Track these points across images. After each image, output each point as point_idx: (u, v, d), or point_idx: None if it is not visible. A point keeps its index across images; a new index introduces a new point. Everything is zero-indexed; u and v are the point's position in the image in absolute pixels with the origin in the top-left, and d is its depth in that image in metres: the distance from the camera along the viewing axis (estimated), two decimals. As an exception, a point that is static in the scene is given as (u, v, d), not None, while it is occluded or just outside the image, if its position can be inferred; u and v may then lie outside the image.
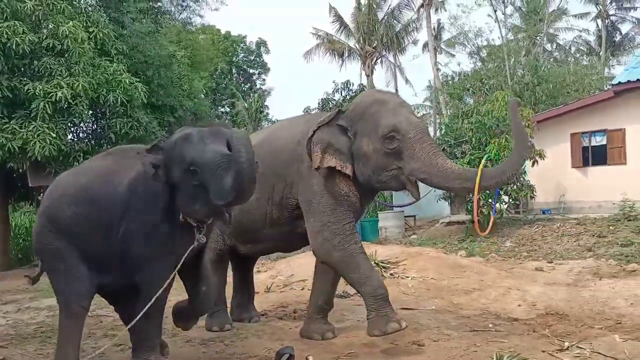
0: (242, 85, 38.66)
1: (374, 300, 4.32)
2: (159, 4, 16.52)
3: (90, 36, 11.44)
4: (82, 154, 11.25)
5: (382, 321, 4.29)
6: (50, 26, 10.47)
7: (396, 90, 25.75)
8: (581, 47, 30.30)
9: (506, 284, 6.68)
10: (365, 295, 4.37)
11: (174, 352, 4.44)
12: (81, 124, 12.29)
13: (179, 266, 3.80)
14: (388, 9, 23.76)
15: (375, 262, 7.43)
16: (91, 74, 10.97)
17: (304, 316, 5.56)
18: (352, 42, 24.11)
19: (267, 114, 35.40)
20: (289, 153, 4.63)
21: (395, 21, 23.97)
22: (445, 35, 29.07)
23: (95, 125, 12.87)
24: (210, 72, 34.95)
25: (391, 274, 7.24)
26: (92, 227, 3.75)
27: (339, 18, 23.76)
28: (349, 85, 15.50)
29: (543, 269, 7.77)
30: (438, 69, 24.11)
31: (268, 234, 4.87)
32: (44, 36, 10.46)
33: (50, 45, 10.48)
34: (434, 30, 26.75)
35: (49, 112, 10.24)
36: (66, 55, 10.65)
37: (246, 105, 28.39)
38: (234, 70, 38.73)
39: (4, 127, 10.04)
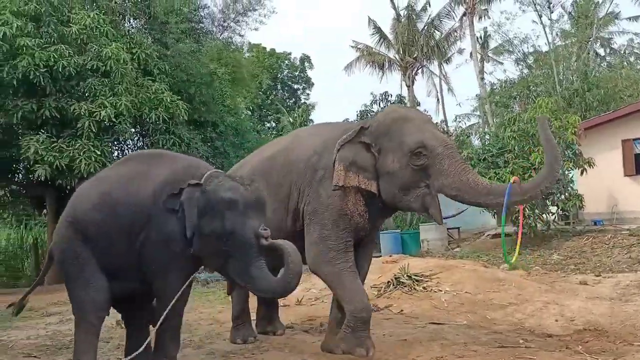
0: (287, 100, 39.18)
1: (354, 320, 4.33)
2: (200, 24, 16.96)
3: (134, 57, 11.87)
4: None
5: (353, 341, 4.31)
6: (94, 49, 10.87)
7: (438, 100, 25.47)
8: (636, 51, 29.02)
9: (545, 298, 6.39)
10: (348, 312, 4.36)
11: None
12: (125, 141, 12.69)
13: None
14: (428, 18, 23.55)
15: (407, 276, 7.31)
16: (134, 93, 11.34)
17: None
18: (392, 54, 24.01)
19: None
20: (304, 163, 4.61)
21: (436, 31, 23.72)
22: (492, 43, 28.59)
23: (140, 142, 13.28)
24: (257, 89, 35.79)
25: (423, 288, 7.06)
26: (113, 234, 3.82)
27: (378, 30, 23.72)
28: (387, 97, 15.35)
29: (588, 282, 7.40)
30: (482, 78, 23.62)
31: None
32: (89, 58, 10.88)
33: (95, 66, 10.90)
34: (481, 38, 26.33)
35: (94, 130, 10.63)
36: (110, 76, 11.05)
37: (291, 120, 28.72)
38: (279, 86, 39.35)
39: (52, 145, 10.47)
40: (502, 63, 27.88)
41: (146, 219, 3.75)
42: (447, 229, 15.84)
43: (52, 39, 10.67)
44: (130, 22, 13.86)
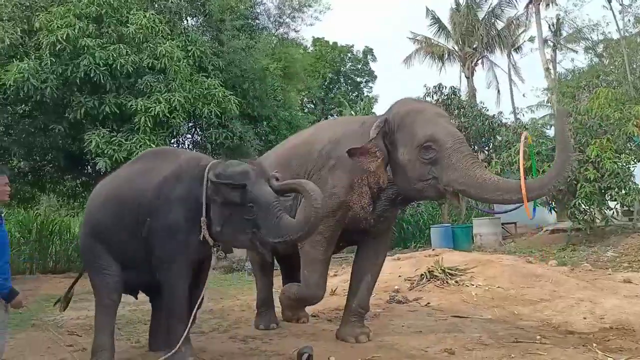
0: (350, 93, 39.21)
1: (301, 299, 4.85)
2: (256, 21, 17.36)
3: (188, 54, 12.38)
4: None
5: (289, 305, 5.08)
6: (149, 47, 11.42)
7: (498, 92, 24.68)
8: None
9: (580, 295, 6.20)
10: (300, 291, 4.74)
11: (213, 346, 4.74)
12: (180, 135, 13.22)
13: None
14: (489, 7, 22.84)
15: (440, 269, 7.28)
16: (187, 89, 11.83)
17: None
18: (450, 44, 23.49)
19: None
20: (318, 152, 4.73)
21: (497, 20, 22.98)
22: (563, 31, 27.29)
23: (194, 136, 13.83)
24: (319, 82, 36.10)
25: (456, 282, 7.02)
26: (122, 226, 4.13)
27: (436, 20, 23.29)
28: (440, 89, 15.09)
29: (632, 280, 7.07)
30: (547, 68, 22.68)
31: None
32: (145, 56, 11.44)
33: (150, 64, 11.45)
34: (553, 25, 25.26)
35: (150, 125, 11.18)
36: (165, 73, 11.59)
37: (353, 113, 28.73)
38: (341, 80, 39.42)
39: (112, 139, 11.11)
40: (575, 51, 26.68)
41: (150, 211, 4.01)
42: (503, 223, 15.45)
43: (112, 39, 11.31)
44: (186, 21, 14.38)
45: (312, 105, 36.20)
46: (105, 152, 10.93)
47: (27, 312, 7.12)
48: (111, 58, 10.95)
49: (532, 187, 4.02)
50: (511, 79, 25.42)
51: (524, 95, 23.54)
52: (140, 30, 11.37)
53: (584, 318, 5.38)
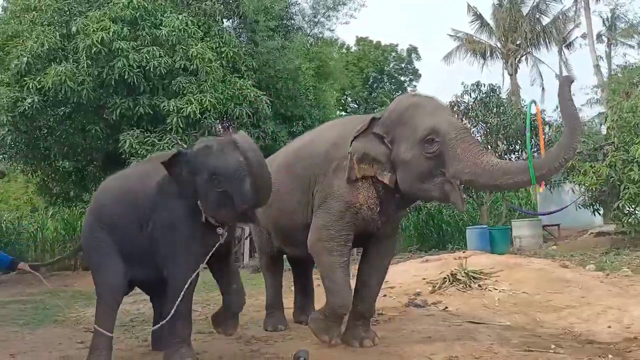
0: (394, 93, 38.83)
1: (331, 311, 4.47)
2: (291, 21, 17.40)
3: (222, 55, 12.51)
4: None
5: (321, 327, 4.54)
6: (182, 49, 11.60)
7: (543, 89, 23.81)
8: None
9: (610, 302, 5.83)
10: (328, 303, 4.47)
11: (215, 347, 4.71)
12: (211, 136, 13.38)
13: (204, 262, 4.08)
14: (533, 3, 22.07)
15: (464, 272, 7.04)
16: (219, 89, 11.96)
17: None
18: (493, 41, 22.86)
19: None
20: (324, 155, 4.61)
21: (542, 15, 22.18)
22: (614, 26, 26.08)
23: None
24: (362, 82, 35.94)
25: (479, 286, 6.75)
26: (128, 223, 4.16)
27: (478, 17, 22.69)
28: (479, 86, 14.65)
29: (672, 288, 6.63)
30: (597, 65, 21.72)
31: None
32: (178, 58, 11.63)
33: (183, 66, 11.64)
34: (607, 20, 24.22)
35: (182, 126, 11.38)
36: (197, 74, 11.74)
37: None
38: (385, 79, 39.08)
39: (146, 140, 11.36)
40: (633, 47, 25.36)
41: (153, 207, 4.02)
42: (545, 225, 14.91)
43: (146, 42, 11.55)
44: (222, 23, 14.53)
45: (356, 105, 36.08)
46: (139, 152, 11.18)
47: (53, 308, 7.37)
48: (145, 60, 11.20)
49: (541, 164, 3.77)
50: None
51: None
52: (174, 33, 11.57)
53: (609, 327, 5.05)
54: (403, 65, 39.75)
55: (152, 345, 4.75)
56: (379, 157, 4.24)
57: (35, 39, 11.31)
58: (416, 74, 40.02)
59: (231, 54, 12.69)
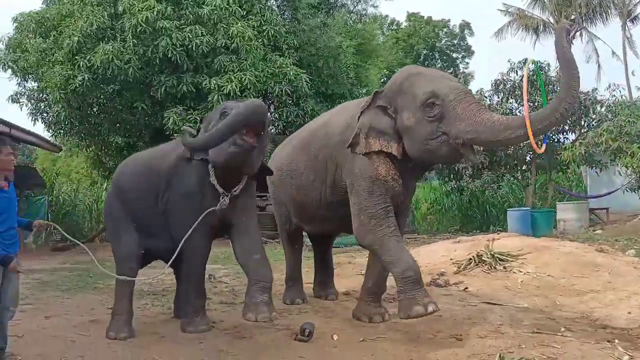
0: (445, 70, 38.02)
1: (402, 282, 4.11)
2: (335, -2, 17.33)
3: (264, 33, 12.64)
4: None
5: (408, 304, 4.07)
6: (223, 28, 11.80)
7: (599, 67, 22.67)
8: None
9: (636, 288, 5.68)
10: (395, 277, 4.19)
11: (232, 317, 4.93)
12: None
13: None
14: (590, -27, 20.98)
15: (490, 254, 6.99)
16: (260, 68, 12.13)
17: (386, 299, 5.61)
18: (546, 16, 21.90)
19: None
20: (339, 136, 4.68)
21: (599, -13, 21.09)
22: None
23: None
24: (412, 59, 35.36)
25: (504, 267, 6.70)
26: (145, 197, 4.40)
27: (531, -9, 21.82)
28: (526, 64, 14.12)
29: None
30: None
31: (326, 215, 4.99)
32: (219, 36, 11.85)
33: (224, 44, 11.86)
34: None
35: (222, 103, 11.61)
36: (237, 52, 11.95)
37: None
38: (436, 56, 38.31)
39: (188, 117, 11.72)
40: None
41: (167, 182, 4.26)
42: (592, 209, 14.42)
43: (189, 20, 11.83)
44: (264, 1, 14.61)
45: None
46: (182, 129, 11.51)
47: (95, 276, 7.81)
48: (187, 39, 11.50)
49: (539, 118, 3.74)
50: (625, 51, 23.21)
51: (632, 73, 21.08)
52: (215, 12, 11.78)
53: (629, 313, 4.94)
54: (455, 41, 38.89)
55: (173, 313, 5.03)
56: (385, 129, 4.30)
57: (85, 19, 11.79)
58: (469, 51, 39.11)
59: (272, 32, 12.80)
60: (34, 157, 30.33)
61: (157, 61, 11.74)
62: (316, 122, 5.47)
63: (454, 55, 39.06)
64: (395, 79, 4.42)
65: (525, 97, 4.12)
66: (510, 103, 14.26)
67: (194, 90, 12.05)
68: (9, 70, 14.14)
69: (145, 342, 4.19)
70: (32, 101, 14.64)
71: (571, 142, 13.93)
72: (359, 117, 4.35)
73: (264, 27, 12.77)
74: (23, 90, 14.74)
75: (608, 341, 4.08)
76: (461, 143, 4.01)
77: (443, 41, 38.50)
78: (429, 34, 36.81)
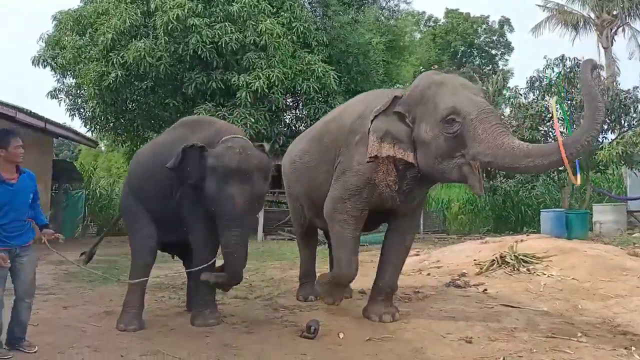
0: (484, 67, 37.28)
1: (336, 280, 4.75)
2: (367, -6, 17.20)
3: (293, 30, 12.65)
4: (282, 137, 12.65)
5: (324, 290, 4.88)
6: (252, 25, 11.85)
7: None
8: None
9: (666, 294, 5.46)
10: (335, 271, 4.75)
11: (244, 312, 4.96)
12: (279, 111, 13.58)
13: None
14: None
15: (514, 255, 6.81)
16: (288, 65, 12.14)
17: (401, 299, 5.55)
18: (586, 11, 21.15)
19: (509, 97, 33.59)
20: (349, 127, 4.63)
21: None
22: None
23: (296, 112, 14.17)
24: (449, 56, 34.85)
25: (527, 270, 6.50)
26: (157, 191, 4.44)
27: (570, -15, 21.12)
28: (563, 61, 13.72)
29: None
30: None
31: None
32: (249, 34, 11.91)
33: (253, 41, 11.91)
34: None
35: (250, 100, 11.72)
36: (266, 49, 11.98)
37: (484, 88, 27.40)
38: (475, 52, 37.62)
39: (217, 113, 11.81)
40: None
41: None
42: (631, 211, 13.90)
43: (219, 18, 11.93)
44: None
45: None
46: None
47: (122, 268, 7.96)
48: (217, 36, 11.60)
49: (564, 147, 3.60)
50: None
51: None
52: (245, 9, 11.84)
53: (654, 319, 4.73)
54: (494, 37, 38.07)
55: (186, 305, 5.07)
56: (401, 136, 4.20)
57: (119, 16, 12.03)
58: (508, 47, 38.21)
59: (302, 29, 12.79)
60: (78, 152, 31.30)
61: (188, 58, 11.91)
62: (332, 113, 5.45)
63: (493, 52, 38.26)
64: (416, 87, 4.29)
65: (558, 132, 3.93)
66: (546, 101, 13.85)
67: (223, 87, 12.16)
68: (48, 67, 14.54)
69: (154, 334, 4.25)
70: (70, 97, 15.04)
71: (609, 142, 13.47)
72: (372, 120, 4.25)
73: (294, 24, 12.78)
74: (62, 86, 15.16)
75: (625, 348, 3.92)
76: (477, 166, 3.92)
77: (482, 37, 37.75)
78: (467, 31, 36.18)
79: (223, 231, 4.06)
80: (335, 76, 12.38)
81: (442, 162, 4.04)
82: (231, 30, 11.71)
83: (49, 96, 15.01)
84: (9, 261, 3.50)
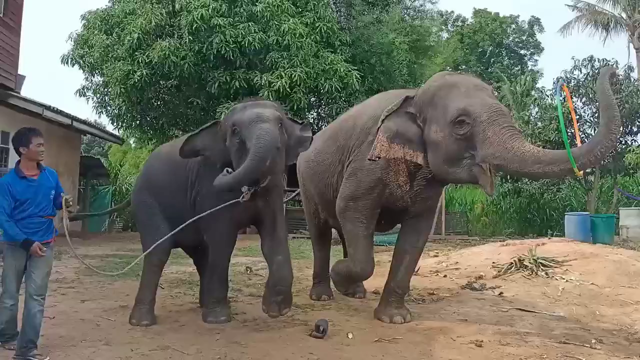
0: (512, 67, 36.75)
1: (350, 276, 4.82)
2: (392, -6, 17.10)
3: (316, 30, 12.66)
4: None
5: (340, 282, 5.09)
6: (275, 25, 11.91)
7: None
8: None
9: (689, 302, 5.31)
10: (349, 268, 4.72)
11: (255, 310, 4.97)
12: (301, 110, 13.58)
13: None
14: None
15: (532, 259, 6.71)
16: (310, 64, 12.16)
17: (415, 300, 5.53)
18: (617, 11, 20.63)
19: (537, 98, 32.98)
20: (361, 127, 4.63)
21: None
22: None
23: (319, 110, 14.19)
24: (477, 57, 34.44)
25: (546, 274, 6.40)
26: (173, 190, 4.50)
27: (603, -16, 20.63)
28: (591, 61, 13.44)
29: None
30: None
31: None
32: (272, 33, 11.97)
33: (276, 41, 11.97)
34: None
35: (272, 99, 11.75)
36: (289, 49, 12.02)
37: (511, 88, 26.98)
38: (503, 53, 37.09)
39: (241, 112, 11.87)
40: None
41: (197, 176, 4.32)
42: (659, 216, 13.52)
43: (242, 18, 12.02)
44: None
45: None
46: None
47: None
48: (240, 36, 11.68)
49: (577, 155, 3.54)
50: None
51: None
52: (268, 9, 11.89)
53: (673, 328, 4.61)
54: (524, 37, 37.47)
55: (200, 302, 5.13)
56: (412, 137, 4.18)
57: (145, 16, 12.22)
58: (538, 47, 37.57)
59: (325, 28, 12.78)
60: (108, 149, 31.89)
61: (212, 57, 12.02)
62: (348, 112, 5.47)
63: (522, 52, 37.68)
64: (428, 88, 4.26)
65: (564, 134, 3.86)
66: (574, 103, 13.59)
67: (246, 86, 12.24)
68: (76, 65, 14.84)
69: (165, 329, 4.31)
70: (98, 95, 15.32)
71: (638, 145, 13.16)
72: (382, 120, 4.23)
73: (317, 24, 12.77)
74: (90, 84, 15.46)
75: (638, 356, 3.82)
76: (487, 167, 3.87)
77: (511, 37, 37.20)
78: (496, 30, 35.68)
79: None
80: (358, 76, 12.35)
81: (451, 163, 4.02)
82: (254, 30, 11.78)
83: (77, 94, 15.34)
84: (45, 249, 3.52)
